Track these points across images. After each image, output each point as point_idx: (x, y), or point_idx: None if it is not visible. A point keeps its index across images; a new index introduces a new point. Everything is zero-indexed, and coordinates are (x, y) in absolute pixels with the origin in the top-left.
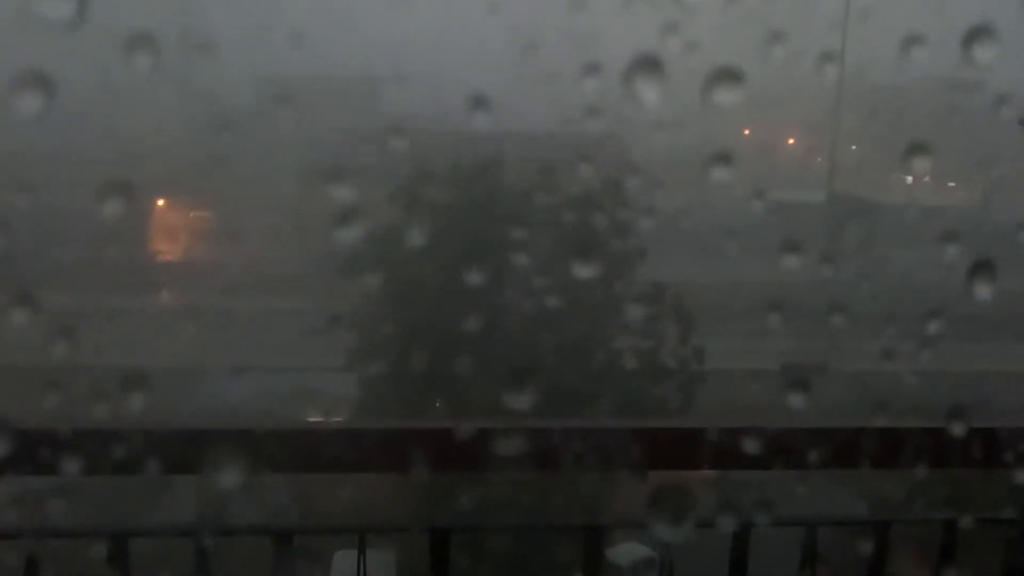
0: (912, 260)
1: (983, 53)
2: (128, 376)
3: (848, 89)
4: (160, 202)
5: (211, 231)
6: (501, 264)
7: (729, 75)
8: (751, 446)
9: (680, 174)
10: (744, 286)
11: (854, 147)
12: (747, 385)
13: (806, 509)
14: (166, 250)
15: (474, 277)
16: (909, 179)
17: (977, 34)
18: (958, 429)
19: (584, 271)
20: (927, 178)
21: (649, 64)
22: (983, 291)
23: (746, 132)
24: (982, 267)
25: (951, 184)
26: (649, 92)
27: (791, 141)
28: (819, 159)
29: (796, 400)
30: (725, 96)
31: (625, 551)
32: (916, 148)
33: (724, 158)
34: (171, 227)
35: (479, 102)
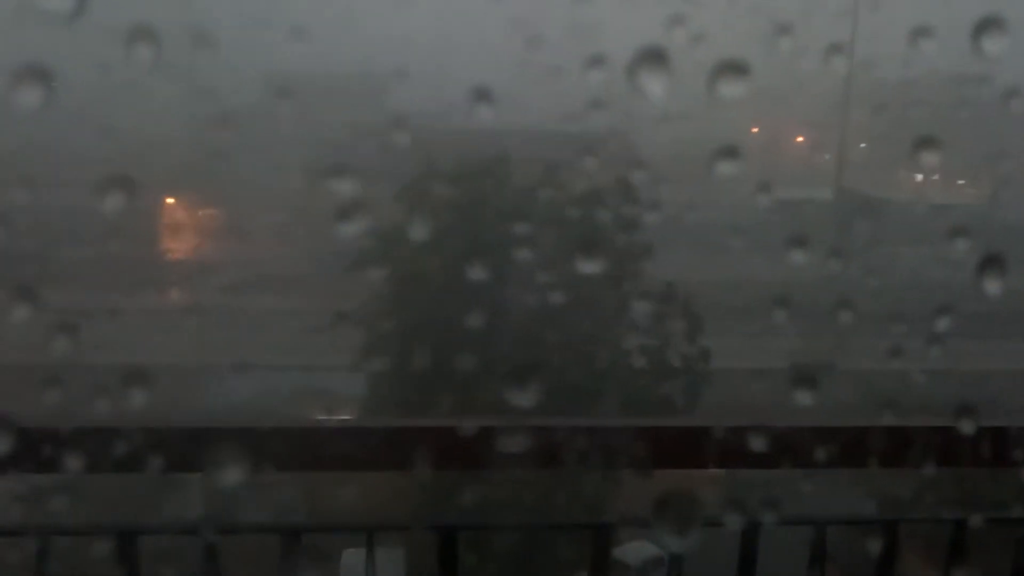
0: (920, 257)
1: (992, 45)
2: (130, 373)
3: (857, 84)
4: (162, 199)
5: (214, 228)
6: (507, 261)
7: (735, 68)
8: (758, 444)
9: (685, 169)
10: (750, 283)
11: (863, 144)
12: (752, 383)
13: (814, 508)
14: (168, 247)
15: (480, 274)
16: (919, 176)
17: (986, 25)
18: (967, 427)
19: (589, 267)
20: (936, 175)
21: (654, 57)
22: (992, 286)
23: (754, 130)
24: (991, 261)
25: (960, 181)
26: (654, 85)
27: (799, 139)
28: (827, 156)
29: (803, 398)
30: (731, 89)
31: (633, 550)
32: (924, 144)
33: (730, 152)
34: (173, 224)
35: (482, 95)
